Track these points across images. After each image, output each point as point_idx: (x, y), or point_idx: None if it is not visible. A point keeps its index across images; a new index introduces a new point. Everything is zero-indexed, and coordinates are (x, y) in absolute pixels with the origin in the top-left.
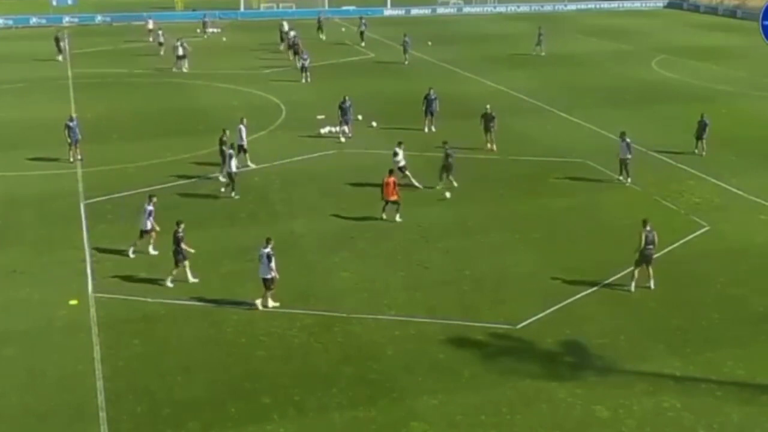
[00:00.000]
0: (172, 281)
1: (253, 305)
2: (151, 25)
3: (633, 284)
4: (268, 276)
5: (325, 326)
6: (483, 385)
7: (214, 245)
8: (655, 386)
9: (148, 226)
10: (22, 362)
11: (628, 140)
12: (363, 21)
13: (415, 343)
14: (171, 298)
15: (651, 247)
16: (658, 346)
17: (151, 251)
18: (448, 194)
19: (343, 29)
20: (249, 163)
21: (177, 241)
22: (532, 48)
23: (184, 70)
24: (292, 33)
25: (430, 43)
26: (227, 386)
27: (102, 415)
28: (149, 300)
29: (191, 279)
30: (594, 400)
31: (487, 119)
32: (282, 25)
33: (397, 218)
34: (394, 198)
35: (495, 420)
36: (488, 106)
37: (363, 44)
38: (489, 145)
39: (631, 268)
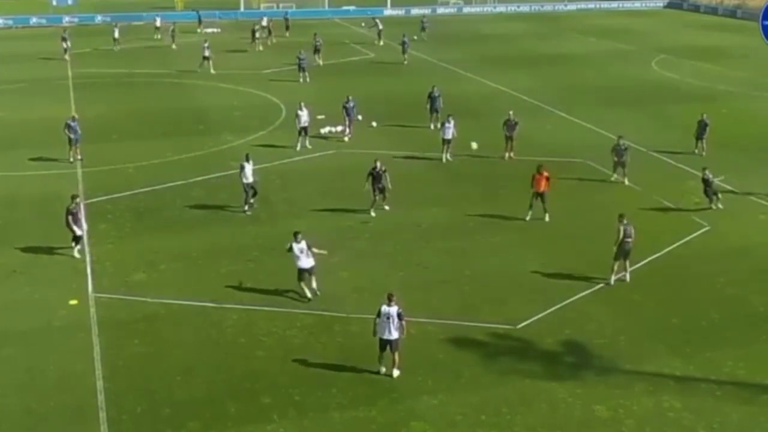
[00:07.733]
0: None
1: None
2: (158, 23)
3: (612, 277)
4: (394, 337)
5: (325, 326)
6: (483, 385)
7: (213, 245)
8: (655, 386)
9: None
10: (22, 362)
11: None
12: (376, 21)
13: (415, 343)
14: (171, 298)
15: (629, 240)
16: (658, 346)
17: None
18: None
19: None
20: (307, 144)
21: None
22: (416, 33)
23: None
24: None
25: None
26: (227, 386)
27: (102, 415)
28: (149, 300)
29: None
30: (594, 400)
31: (510, 126)
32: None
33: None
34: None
35: (495, 420)
36: (511, 113)
37: (381, 42)
38: (508, 154)
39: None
